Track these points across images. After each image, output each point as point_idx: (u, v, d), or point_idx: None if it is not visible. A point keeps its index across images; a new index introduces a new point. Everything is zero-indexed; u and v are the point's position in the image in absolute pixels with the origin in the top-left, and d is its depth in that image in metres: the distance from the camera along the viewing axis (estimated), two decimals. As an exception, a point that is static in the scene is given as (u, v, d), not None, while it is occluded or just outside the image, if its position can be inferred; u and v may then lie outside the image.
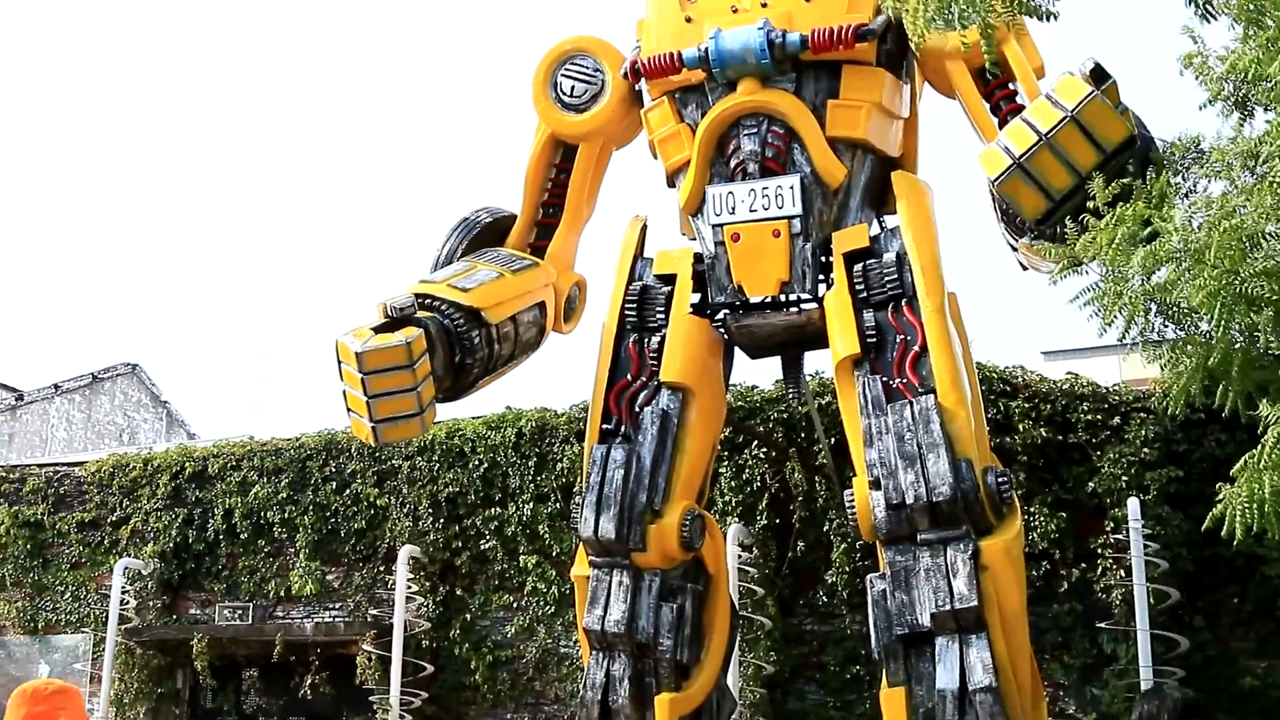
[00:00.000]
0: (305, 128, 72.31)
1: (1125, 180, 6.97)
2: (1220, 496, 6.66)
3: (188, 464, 16.90)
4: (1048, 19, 6.61)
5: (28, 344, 55.76)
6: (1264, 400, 6.79)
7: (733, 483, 13.49)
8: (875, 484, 7.34)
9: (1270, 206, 6.12)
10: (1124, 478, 12.01)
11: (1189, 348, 7.09)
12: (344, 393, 8.20)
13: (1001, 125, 8.02)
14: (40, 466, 18.43)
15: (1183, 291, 6.46)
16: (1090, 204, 6.95)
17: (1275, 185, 6.13)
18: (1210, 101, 6.99)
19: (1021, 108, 8.00)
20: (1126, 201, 6.84)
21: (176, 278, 69.89)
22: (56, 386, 29.59)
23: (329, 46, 72.80)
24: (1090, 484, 12.22)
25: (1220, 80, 6.88)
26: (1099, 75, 7.54)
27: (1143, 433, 12.13)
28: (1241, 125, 6.97)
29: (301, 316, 65.84)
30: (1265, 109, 6.96)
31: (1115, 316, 6.82)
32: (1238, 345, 6.77)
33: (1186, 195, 7.19)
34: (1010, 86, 8.29)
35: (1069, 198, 7.33)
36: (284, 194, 71.97)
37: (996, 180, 7.50)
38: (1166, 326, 7.04)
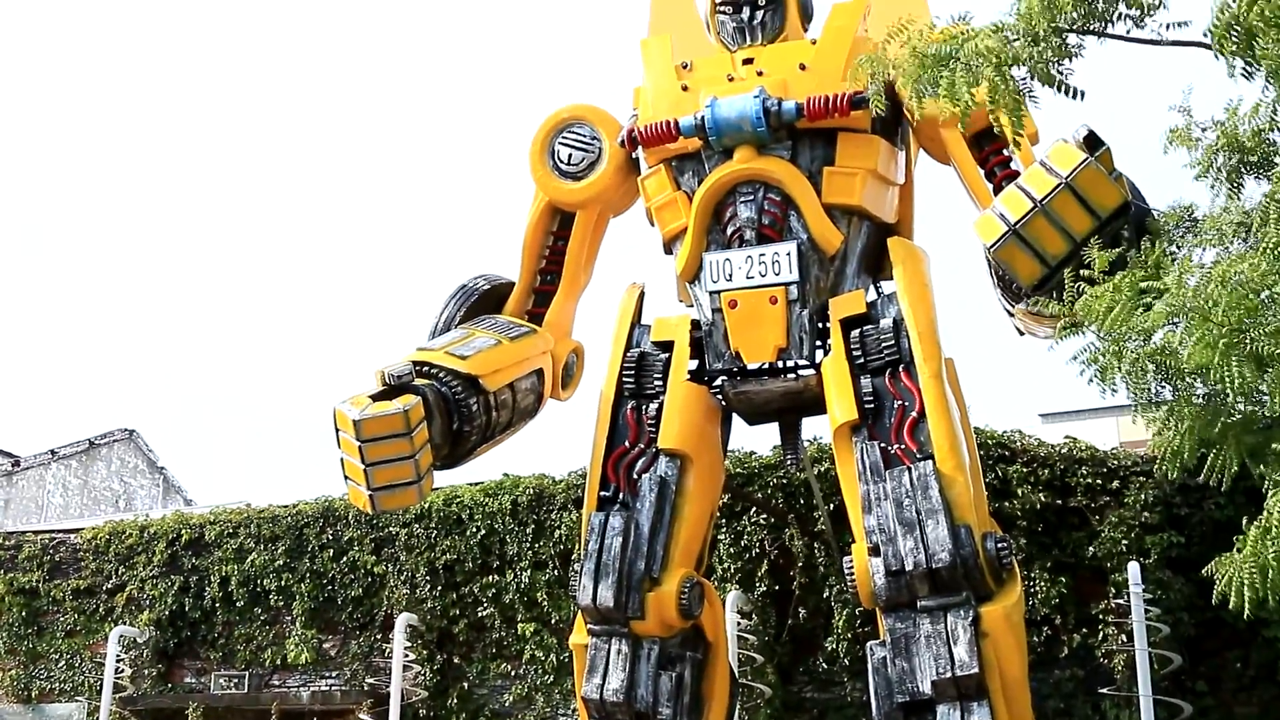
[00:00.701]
0: (304, 193, 72.65)
1: (1120, 249, 6.99)
2: (1222, 565, 6.61)
3: (184, 531, 16.82)
4: (1076, 96, 6.57)
5: (26, 409, 55.68)
6: (1260, 466, 6.79)
7: (731, 549, 13.42)
8: (874, 550, 7.32)
9: (1267, 270, 6.13)
10: (1124, 542, 11.95)
11: (1184, 409, 7.09)
12: (341, 460, 8.19)
13: (996, 191, 8.07)
14: (36, 533, 18.35)
15: (1182, 350, 6.45)
16: (1086, 272, 6.97)
17: (1271, 251, 6.15)
18: (1202, 175, 7.03)
19: (1016, 174, 8.05)
20: (1123, 269, 6.87)
21: (175, 343, 69.98)
22: (53, 452, 29.54)
23: (332, 112, 73.25)
24: (1090, 548, 12.16)
25: (1211, 152, 6.92)
26: (1092, 142, 7.58)
27: (1142, 497, 12.08)
28: (1233, 196, 7.00)
29: (300, 383, 65.87)
30: (1257, 179, 6.99)
31: (1113, 379, 6.83)
32: (1235, 410, 6.77)
33: (1179, 261, 7.20)
34: (1004, 153, 8.34)
35: (1064, 263, 7.34)
36: (285, 260, 72.24)
37: (992, 247, 7.52)
38: (1164, 388, 7.04)
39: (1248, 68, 6.14)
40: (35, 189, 69.05)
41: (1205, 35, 6.16)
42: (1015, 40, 6.37)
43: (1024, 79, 6.57)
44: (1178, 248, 7.36)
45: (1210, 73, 6.37)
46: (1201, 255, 7.24)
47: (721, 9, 8.90)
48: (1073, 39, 6.40)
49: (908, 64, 6.73)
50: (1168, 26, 6.23)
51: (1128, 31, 6.29)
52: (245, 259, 71.94)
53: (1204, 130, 6.93)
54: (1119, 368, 6.78)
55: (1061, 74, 6.43)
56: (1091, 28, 6.29)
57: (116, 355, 68.35)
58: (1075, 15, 6.26)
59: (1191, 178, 7.03)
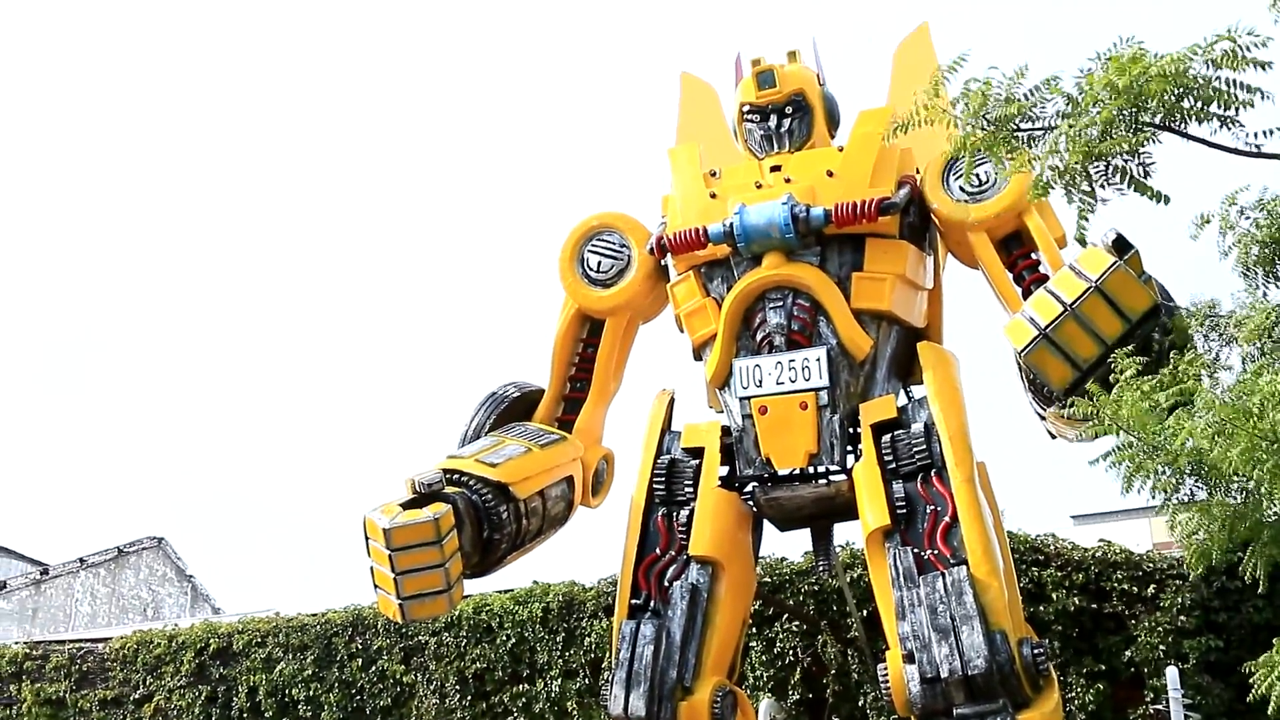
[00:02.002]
0: (337, 302, 73.16)
1: (1146, 358, 6.96)
2: (1259, 668, 6.52)
3: (212, 640, 16.77)
4: (1163, 202, 6.45)
5: (55, 517, 55.79)
6: None
7: (764, 657, 13.30)
8: (909, 658, 7.21)
9: None
10: (1161, 646, 11.81)
11: (1214, 510, 7.02)
12: (371, 569, 8.15)
13: (1025, 295, 8.06)
14: (63, 643, 18.33)
15: (1218, 454, 6.38)
16: (1112, 377, 6.95)
17: None
18: (1245, 272, 6.99)
19: (1045, 277, 8.04)
20: (1153, 372, 6.84)
21: (206, 451, 70.16)
22: (82, 560, 29.54)
23: (368, 220, 73.95)
24: (1127, 653, 12.02)
25: (1248, 243, 6.87)
26: (1121, 245, 7.58)
27: (1179, 600, 11.96)
28: (1263, 289, 6.98)
29: (330, 490, 65.90)
30: None
31: (1142, 479, 6.78)
32: (1271, 513, 6.70)
33: (1205, 361, 7.15)
34: (1033, 256, 8.35)
35: (1096, 367, 7.33)
36: (317, 367, 72.60)
37: (1023, 351, 7.50)
38: (1199, 488, 6.98)
39: None
40: (66, 294, 69.76)
41: None
42: (1099, 124, 6.16)
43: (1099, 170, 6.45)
44: (1201, 344, 7.33)
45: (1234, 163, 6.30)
46: (1228, 355, 7.21)
47: (749, 117, 8.99)
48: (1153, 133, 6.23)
49: (974, 128, 6.58)
50: (1257, 134, 6.12)
51: (1213, 133, 6.17)
52: (278, 367, 72.35)
53: (1242, 215, 6.88)
54: (1152, 471, 6.73)
55: (1145, 169, 6.29)
56: (1173, 124, 6.18)
57: (146, 462, 68.57)
58: (1159, 109, 6.13)
59: (1230, 270, 6.98)
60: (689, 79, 10.18)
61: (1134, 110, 6.06)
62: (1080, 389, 7.43)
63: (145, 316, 72.51)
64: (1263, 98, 5.99)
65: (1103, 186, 6.41)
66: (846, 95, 9.28)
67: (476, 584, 9.34)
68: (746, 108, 9.00)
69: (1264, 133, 6.03)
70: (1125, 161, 6.25)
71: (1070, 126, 6.18)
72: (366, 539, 8.06)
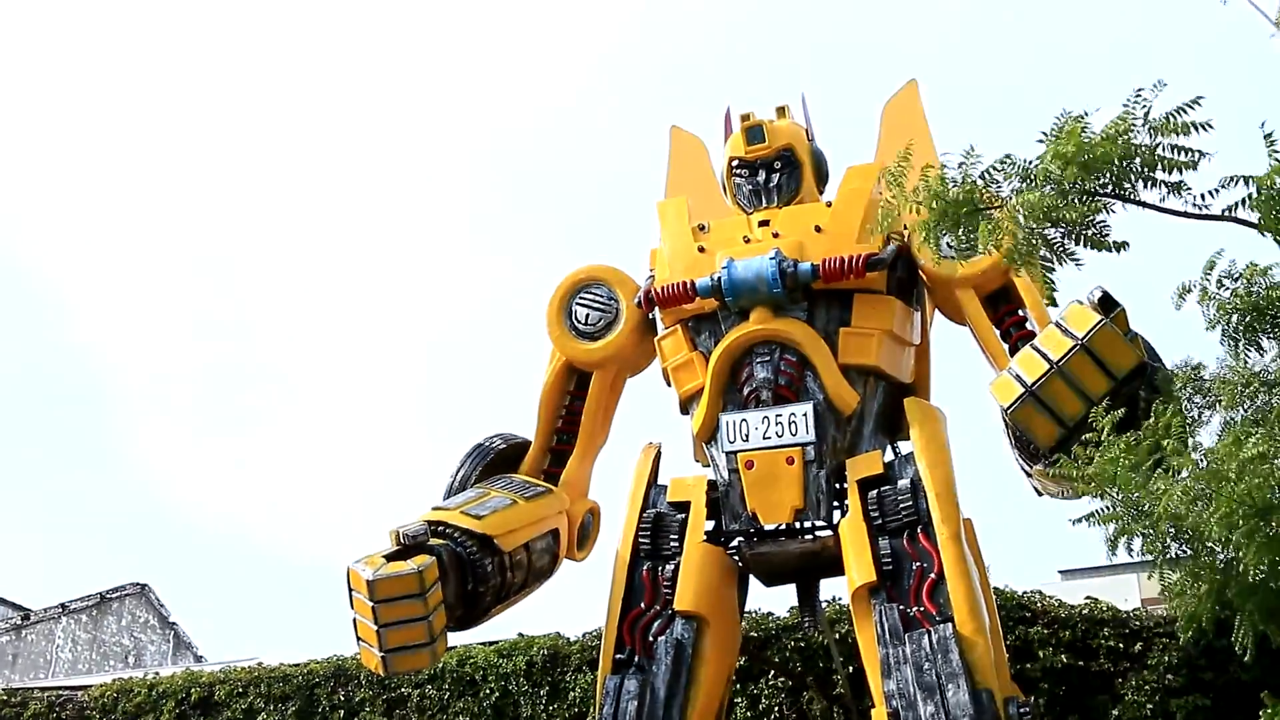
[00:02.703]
0: (322, 347, 73.13)
1: (1123, 413, 6.99)
2: None
3: (193, 689, 16.60)
4: (1119, 250, 6.54)
5: (38, 562, 55.44)
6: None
7: (749, 713, 13.19)
8: (895, 715, 7.18)
9: (1270, 444, 6.10)
10: (1149, 705, 11.73)
11: (1203, 574, 7.02)
12: (354, 620, 8.11)
13: (1012, 352, 8.10)
14: (43, 690, 18.15)
15: (1199, 518, 6.40)
16: (1090, 435, 6.98)
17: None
18: (1213, 326, 7.02)
19: (1032, 334, 8.07)
20: (1134, 427, 6.87)
21: (191, 498, 69.88)
22: (64, 606, 29.32)
23: (353, 271, 74.07)
24: (1115, 711, 11.93)
25: (1226, 309, 6.92)
26: (1107, 303, 7.61)
27: (1166, 659, 11.89)
28: (1245, 355, 7.00)
29: (316, 538, 65.63)
30: (1268, 337, 6.98)
31: (1127, 540, 6.80)
32: (1257, 576, 6.69)
33: (1188, 423, 7.18)
34: (1020, 313, 8.38)
35: (1082, 425, 7.34)
36: (301, 413, 72.43)
37: (1009, 408, 7.52)
38: (1183, 550, 6.99)
39: None
40: (47, 333, 69.70)
41: (1242, 207, 6.14)
42: (1051, 197, 6.29)
43: (1057, 237, 6.54)
44: (1185, 407, 7.35)
45: (1211, 232, 6.37)
46: (1210, 417, 7.23)
47: (738, 172, 9.03)
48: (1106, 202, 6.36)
49: (930, 205, 6.68)
50: (1203, 196, 6.21)
51: (1162, 199, 6.27)
52: (264, 412, 72.17)
53: (1219, 285, 6.93)
54: (1137, 533, 6.74)
55: (1100, 232, 6.40)
56: (1123, 192, 6.28)
57: (132, 507, 68.26)
58: (1107, 179, 6.24)
59: (1204, 328, 7.02)
60: (678, 133, 10.22)
61: (1082, 180, 6.18)
62: (1067, 447, 7.44)
63: (131, 358, 72.39)
64: (1202, 158, 6.09)
65: (1060, 252, 6.51)
66: (835, 150, 9.34)
67: (460, 636, 9.30)
68: (735, 162, 9.04)
69: (1209, 193, 6.15)
70: (1080, 230, 6.36)
71: (1025, 198, 6.30)
72: (350, 590, 8.02)
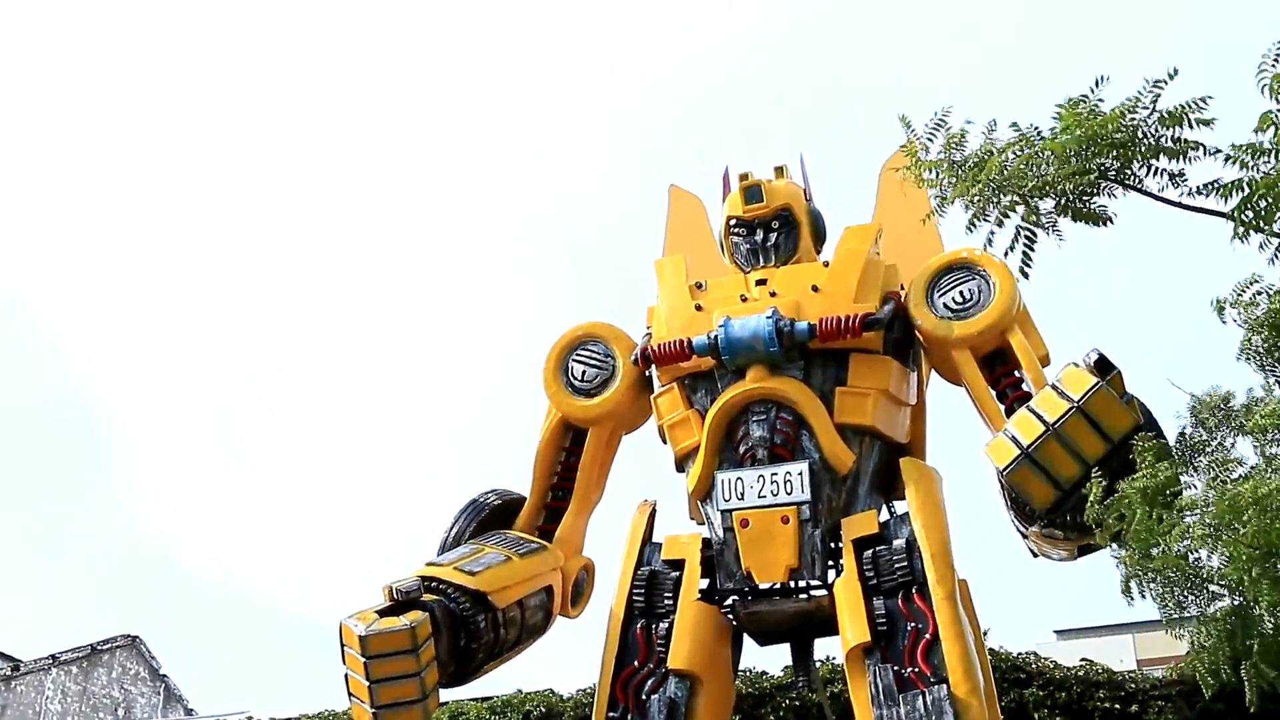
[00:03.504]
0: (315, 397, 73.09)
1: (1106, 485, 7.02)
2: None
3: (182, 743, 16.52)
4: (1105, 224, 6.57)
5: (29, 613, 55.20)
6: None
7: (742, 771, 13.12)
8: (889, 776, 7.15)
9: None
10: (1144, 769, 11.69)
11: (1212, 624, 7.01)
12: (346, 675, 8.07)
13: (1008, 413, 8.09)
14: (32, 743, 18.02)
15: (1211, 564, 6.41)
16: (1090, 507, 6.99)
17: None
18: (1246, 358, 7.04)
19: (1028, 396, 8.07)
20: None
21: (185, 549, 69.63)
22: (54, 657, 29.17)
23: (334, 327, 74.14)
24: (1110, 776, 11.88)
25: (1253, 331, 6.92)
26: (1103, 366, 7.63)
27: (1161, 721, 11.86)
28: (1275, 382, 7.02)
29: (310, 591, 65.33)
30: None
31: (1141, 587, 6.80)
32: (1265, 625, 6.68)
33: (1213, 451, 7.19)
34: (1016, 374, 8.38)
35: (1078, 487, 7.34)
36: (294, 466, 72.30)
37: (1005, 470, 7.52)
38: (1188, 598, 6.98)
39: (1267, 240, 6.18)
40: (37, 383, 69.59)
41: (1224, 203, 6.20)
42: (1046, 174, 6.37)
43: (1049, 213, 6.59)
44: (1211, 436, 7.36)
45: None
46: (1236, 445, 7.23)
47: (735, 231, 9.05)
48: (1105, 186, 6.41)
49: (943, 169, 6.74)
50: (1197, 191, 6.26)
51: (1161, 189, 6.32)
52: (256, 463, 72.03)
53: (1248, 305, 6.94)
54: (1148, 580, 6.74)
55: (1090, 206, 6.45)
56: (1125, 177, 6.33)
57: (123, 557, 67.99)
58: (1110, 159, 6.28)
59: (1234, 358, 7.04)
60: (677, 191, 10.27)
61: (1087, 156, 6.23)
62: (1062, 509, 7.44)
63: (127, 405, 72.31)
64: (1205, 153, 6.16)
65: (1049, 224, 6.55)
66: (833, 210, 9.37)
67: (453, 692, 9.25)
68: (733, 221, 9.07)
69: (1199, 189, 6.21)
70: (1073, 200, 6.41)
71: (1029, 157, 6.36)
72: (342, 645, 7.99)
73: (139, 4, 71.70)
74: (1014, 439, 7.53)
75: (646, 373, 8.97)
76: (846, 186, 10.35)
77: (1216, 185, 6.22)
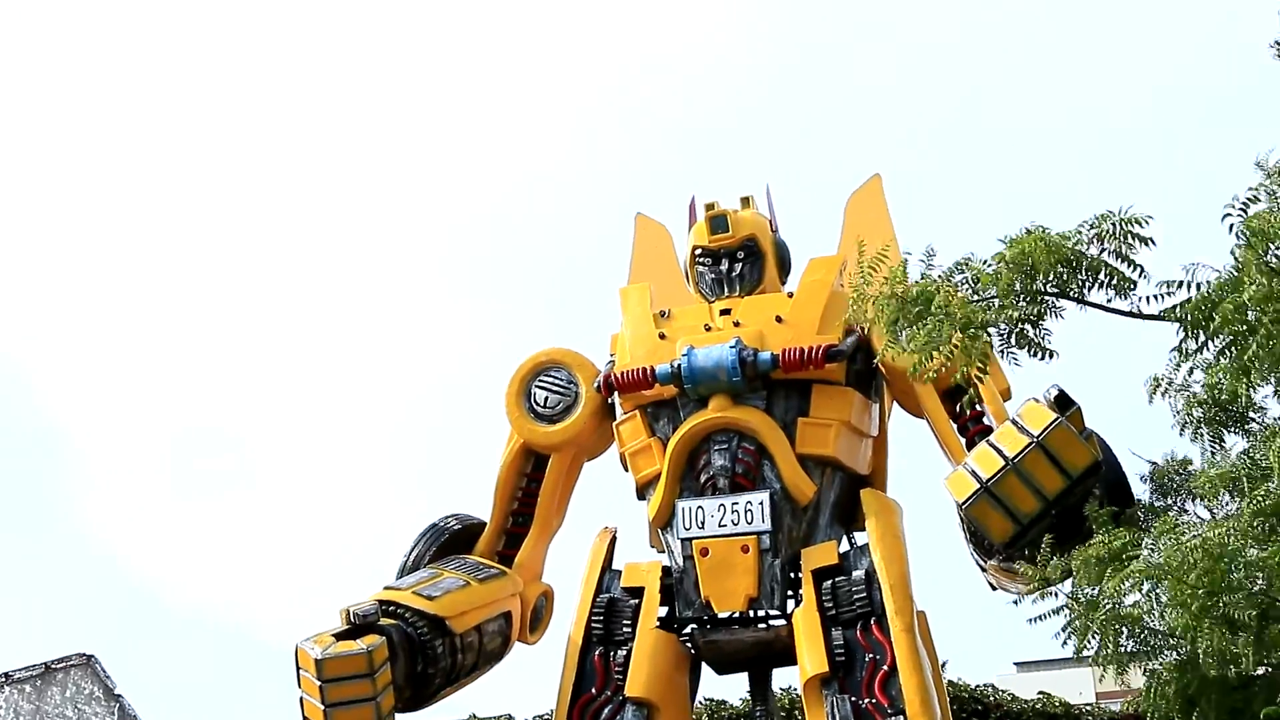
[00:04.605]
0: (274, 414, 72.74)
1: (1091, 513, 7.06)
2: None
3: (136, 764, 16.35)
4: (1048, 358, 6.65)
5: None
6: None
7: (698, 801, 13.10)
8: (845, 808, 7.16)
9: (1248, 528, 6.19)
10: (1099, 803, 11.73)
11: (1165, 672, 7.06)
12: (301, 699, 8.01)
13: (969, 446, 8.12)
14: (-17, 763, 17.83)
15: (1154, 614, 6.46)
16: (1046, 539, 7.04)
17: (1254, 507, 6.21)
18: (1182, 429, 7.12)
19: (989, 429, 8.11)
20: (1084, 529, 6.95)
21: (143, 569, 69.09)
22: (7, 676, 28.83)
23: (298, 350, 73.93)
24: (1065, 809, 11.91)
25: (1191, 406, 7.02)
26: (1063, 402, 7.67)
27: (1117, 756, 11.90)
28: (1215, 450, 7.10)
29: (267, 613, 64.82)
30: (1230, 431, 7.09)
31: (1087, 638, 6.84)
32: (1210, 670, 6.73)
33: (1170, 513, 7.26)
34: (977, 408, 8.40)
35: (1036, 522, 7.38)
36: (252, 485, 71.89)
37: (965, 504, 7.54)
38: (1136, 648, 7.03)
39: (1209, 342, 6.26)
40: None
41: (1174, 312, 6.28)
42: (989, 301, 6.45)
43: (999, 339, 6.65)
44: (1169, 500, 7.43)
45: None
46: (1194, 509, 7.31)
47: (701, 261, 9.07)
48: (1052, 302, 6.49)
49: (886, 303, 6.79)
50: (1147, 300, 6.33)
51: (1108, 300, 6.40)
52: (218, 488, 71.60)
53: (1183, 386, 7.01)
54: (1092, 629, 6.78)
55: (1038, 337, 6.52)
56: (1069, 293, 6.41)
57: (79, 576, 67.36)
58: (1048, 283, 6.38)
59: (1170, 428, 7.11)
60: (643, 220, 10.29)
61: (1028, 279, 6.30)
62: (1020, 542, 7.47)
63: (86, 423, 71.75)
64: (1142, 275, 6.25)
65: (985, 356, 6.61)
66: (798, 241, 9.40)
67: (409, 717, 9.19)
68: (699, 251, 9.08)
69: (1150, 298, 6.30)
70: (1022, 326, 6.47)
71: (963, 305, 6.43)
72: (298, 668, 7.94)
73: (104, 14, 71.41)
74: (974, 473, 7.55)
75: (609, 400, 8.96)
76: (812, 218, 10.40)
77: (1163, 295, 6.33)
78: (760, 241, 9.04)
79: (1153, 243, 6.22)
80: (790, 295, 8.82)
